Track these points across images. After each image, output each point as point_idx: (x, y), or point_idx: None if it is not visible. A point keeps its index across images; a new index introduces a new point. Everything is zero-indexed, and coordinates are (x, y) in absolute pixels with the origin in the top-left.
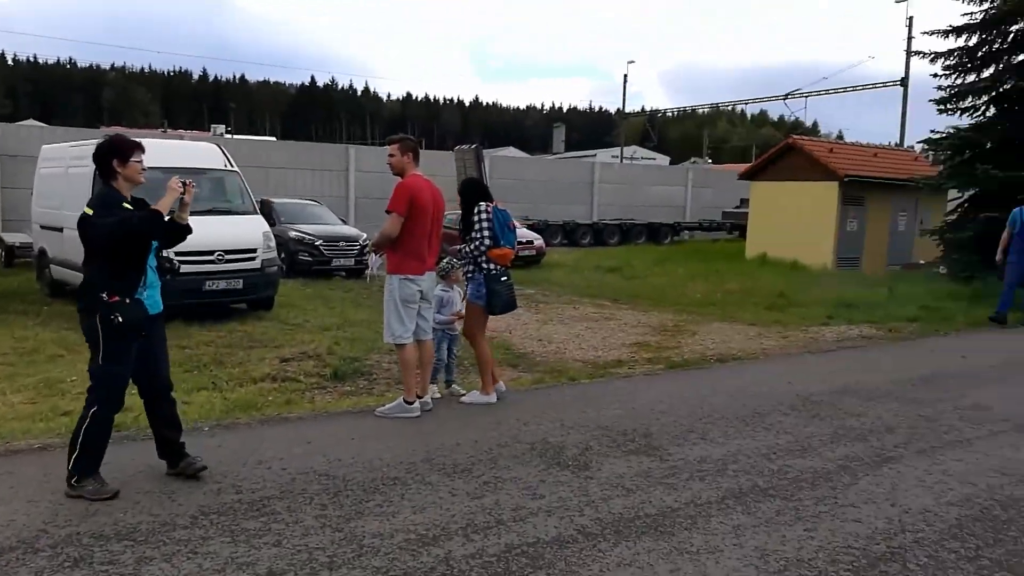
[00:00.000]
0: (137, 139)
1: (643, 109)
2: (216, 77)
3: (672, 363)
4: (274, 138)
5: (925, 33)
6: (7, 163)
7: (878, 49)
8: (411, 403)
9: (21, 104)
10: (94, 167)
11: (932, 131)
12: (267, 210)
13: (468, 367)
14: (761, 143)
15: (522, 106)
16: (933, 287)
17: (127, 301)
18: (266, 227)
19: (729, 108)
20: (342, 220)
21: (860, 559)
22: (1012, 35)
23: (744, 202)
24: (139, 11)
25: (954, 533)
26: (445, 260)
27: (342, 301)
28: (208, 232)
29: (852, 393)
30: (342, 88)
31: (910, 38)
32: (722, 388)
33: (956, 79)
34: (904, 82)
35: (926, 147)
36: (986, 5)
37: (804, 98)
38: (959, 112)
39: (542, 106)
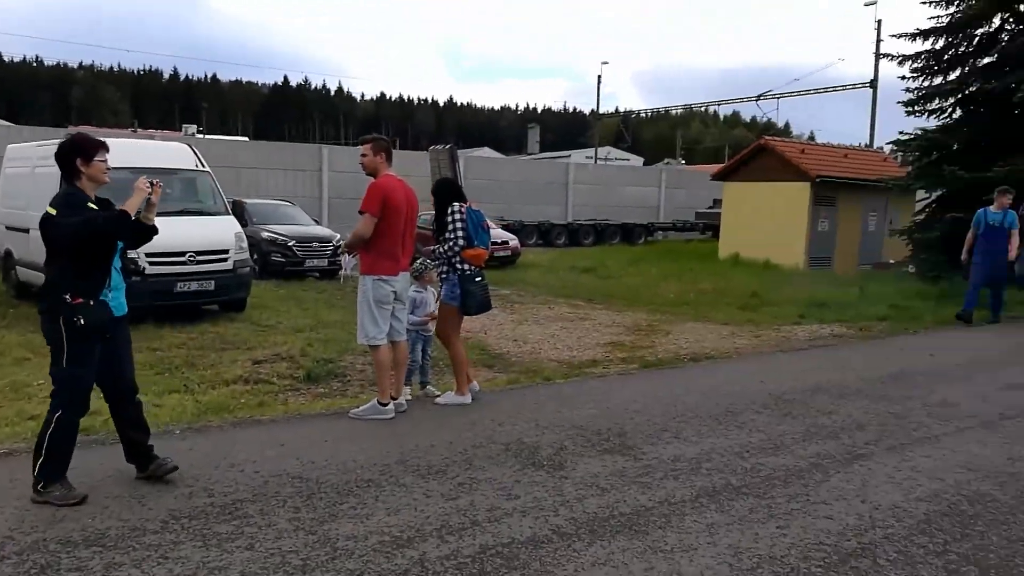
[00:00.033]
0: (102, 138)
1: (617, 110)
2: (187, 76)
3: (646, 363)
4: (246, 138)
5: (893, 36)
6: None
7: (848, 51)
8: (385, 405)
9: None
10: None
11: (901, 132)
12: (239, 211)
13: (443, 368)
14: (734, 144)
15: (496, 107)
16: (902, 286)
17: (91, 303)
18: (238, 228)
19: (702, 109)
20: (315, 221)
21: (831, 555)
22: (977, 39)
23: (717, 202)
24: (107, 9)
25: (923, 528)
26: (419, 261)
27: (315, 302)
28: (179, 233)
29: (824, 391)
30: (315, 88)
31: (879, 41)
32: (695, 387)
33: (923, 81)
34: (873, 84)
35: (895, 148)
36: (952, 9)
37: (776, 99)
38: (926, 114)
39: (517, 107)
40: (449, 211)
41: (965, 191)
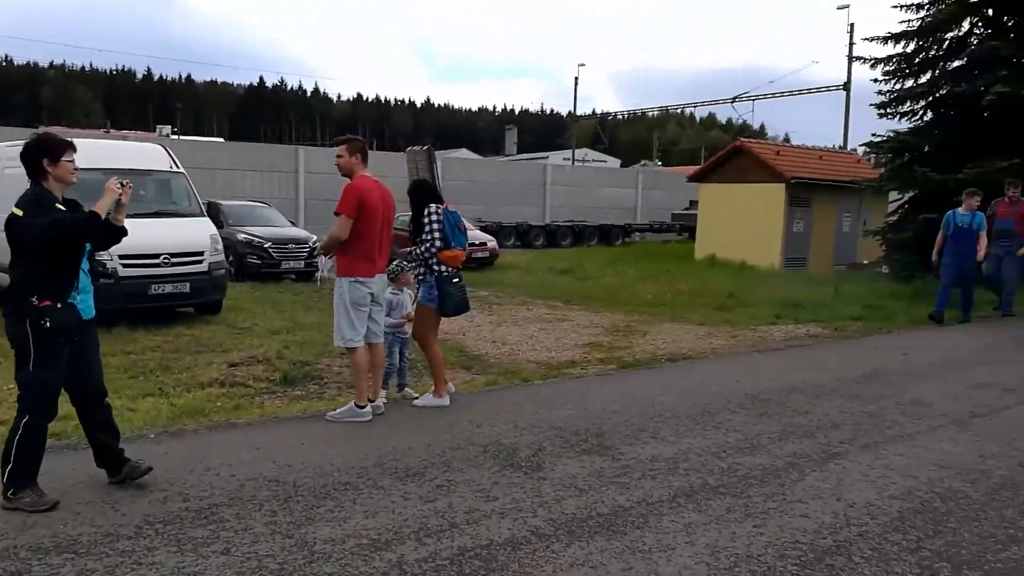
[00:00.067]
0: (69, 138)
1: (594, 112)
2: (161, 76)
3: (624, 363)
4: (222, 139)
5: (866, 39)
6: None
7: (822, 54)
8: (362, 407)
9: None
10: None
11: (873, 134)
12: (214, 212)
13: (421, 370)
14: (710, 146)
15: (474, 108)
16: (876, 286)
17: (58, 306)
18: (213, 229)
19: (678, 111)
20: (291, 222)
21: (807, 553)
22: (947, 42)
23: (693, 204)
24: (79, 8)
25: (896, 526)
26: (395, 263)
27: (292, 304)
28: (154, 235)
29: (799, 391)
30: (291, 89)
31: (851, 44)
32: (673, 387)
33: (895, 84)
34: (846, 87)
35: (868, 150)
36: (922, 13)
37: (751, 101)
38: (898, 116)
39: (494, 108)
40: (426, 212)
41: (936, 192)
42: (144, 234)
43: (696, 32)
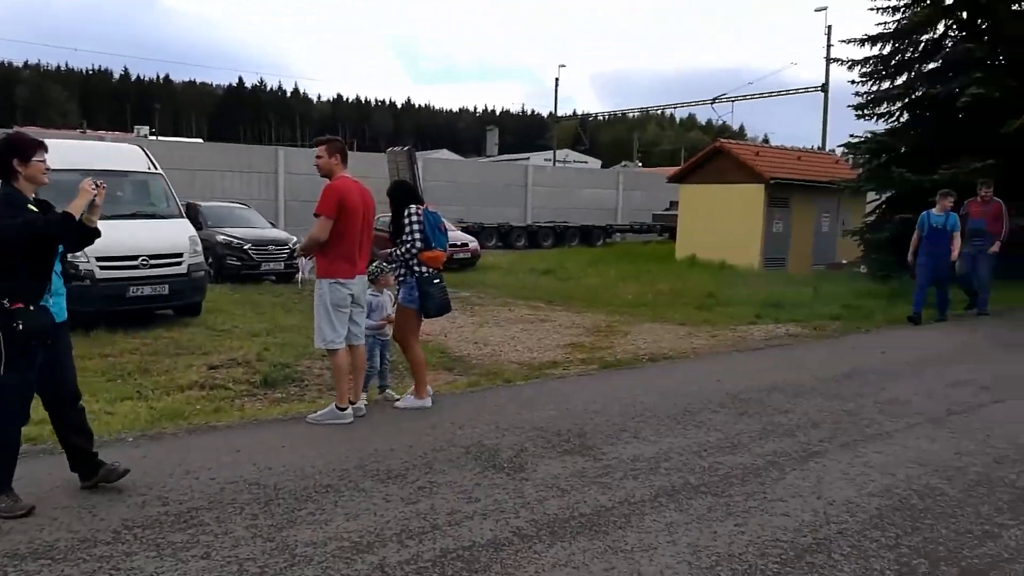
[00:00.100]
0: (40, 138)
1: (575, 113)
2: (139, 77)
3: (605, 363)
4: (200, 140)
5: (843, 41)
6: None
7: (800, 56)
8: (343, 409)
9: None
10: None
11: (851, 135)
12: (193, 214)
13: (403, 372)
14: (690, 147)
15: (455, 108)
16: (854, 286)
17: (31, 308)
18: (192, 231)
19: (659, 112)
20: (271, 223)
21: (788, 551)
22: (922, 44)
23: (674, 204)
24: (53, 6)
25: (875, 523)
26: (375, 264)
27: (272, 306)
28: (132, 237)
29: (779, 390)
30: (271, 89)
31: (829, 46)
32: (654, 387)
33: (872, 86)
34: (825, 88)
35: (846, 151)
36: (898, 16)
37: (731, 103)
38: (875, 117)
39: (475, 109)
40: (406, 213)
41: (913, 193)
42: (122, 236)
43: (676, 34)
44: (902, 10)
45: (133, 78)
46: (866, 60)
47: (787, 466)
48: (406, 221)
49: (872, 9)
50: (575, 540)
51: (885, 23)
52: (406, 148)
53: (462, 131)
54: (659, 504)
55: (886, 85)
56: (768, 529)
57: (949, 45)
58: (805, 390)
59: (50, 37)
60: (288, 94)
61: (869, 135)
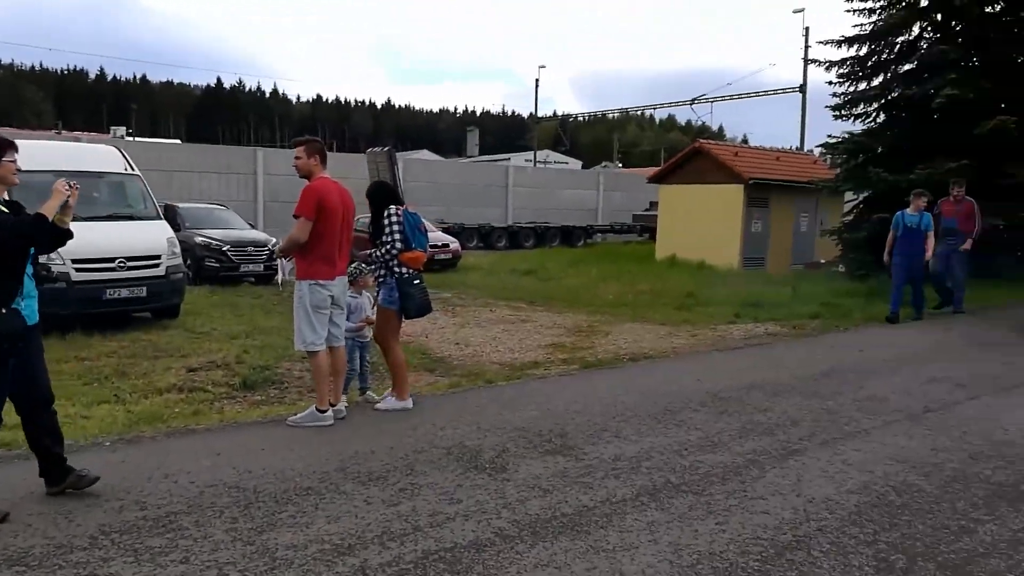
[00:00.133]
0: (11, 138)
1: (555, 113)
2: (115, 77)
3: (586, 363)
4: (178, 140)
5: (821, 43)
6: None
7: (779, 57)
8: (324, 411)
9: None
10: None
11: (829, 136)
12: (171, 215)
13: (383, 373)
14: (669, 147)
15: (435, 109)
16: (833, 285)
17: (3, 311)
18: (170, 233)
19: (638, 113)
20: (250, 224)
21: (768, 549)
22: (898, 46)
23: (653, 205)
24: (26, 5)
25: (854, 520)
26: (353, 265)
27: (251, 308)
28: (108, 238)
29: (759, 389)
30: (249, 90)
31: (807, 47)
32: (635, 387)
33: (849, 87)
34: (803, 89)
35: (824, 151)
36: (874, 18)
37: (710, 103)
38: (852, 118)
39: (455, 109)
40: (386, 214)
41: (889, 193)
42: (99, 238)
43: (656, 35)
44: (878, 12)
45: (109, 78)
46: (843, 61)
47: (767, 464)
48: (386, 222)
49: (849, 11)
50: (557, 540)
51: (861, 25)
52: (386, 149)
53: (442, 132)
54: (640, 503)
55: (863, 86)
56: (749, 527)
57: (924, 47)
58: (784, 388)
59: (24, 37)
60: (267, 94)
61: (846, 135)
